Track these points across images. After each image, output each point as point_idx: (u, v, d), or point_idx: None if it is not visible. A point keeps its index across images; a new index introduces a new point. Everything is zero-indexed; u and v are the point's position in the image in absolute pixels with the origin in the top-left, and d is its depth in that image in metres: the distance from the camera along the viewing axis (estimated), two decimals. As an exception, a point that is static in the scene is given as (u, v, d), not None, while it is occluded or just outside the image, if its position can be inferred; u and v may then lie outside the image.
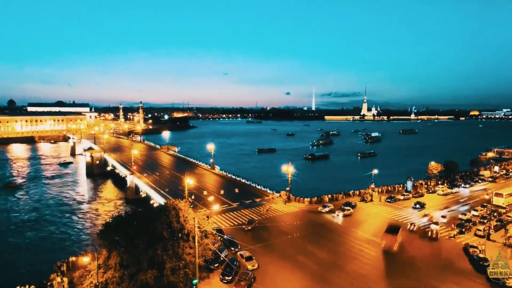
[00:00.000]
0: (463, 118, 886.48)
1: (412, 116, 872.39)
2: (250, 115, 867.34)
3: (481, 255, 46.69)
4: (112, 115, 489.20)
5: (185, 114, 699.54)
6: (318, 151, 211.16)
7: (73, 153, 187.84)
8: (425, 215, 65.55)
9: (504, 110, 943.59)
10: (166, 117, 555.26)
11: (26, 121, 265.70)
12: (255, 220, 60.12)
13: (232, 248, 49.01)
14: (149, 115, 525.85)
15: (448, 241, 53.90)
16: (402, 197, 78.02)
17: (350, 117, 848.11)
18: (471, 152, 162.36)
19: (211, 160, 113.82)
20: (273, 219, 62.98)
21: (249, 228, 56.94)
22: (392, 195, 78.62)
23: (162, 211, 42.95)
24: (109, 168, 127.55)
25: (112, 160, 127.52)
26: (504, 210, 69.04)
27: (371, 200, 76.18)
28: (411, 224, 59.17)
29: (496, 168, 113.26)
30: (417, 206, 71.11)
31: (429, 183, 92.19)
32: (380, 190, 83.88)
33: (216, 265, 43.20)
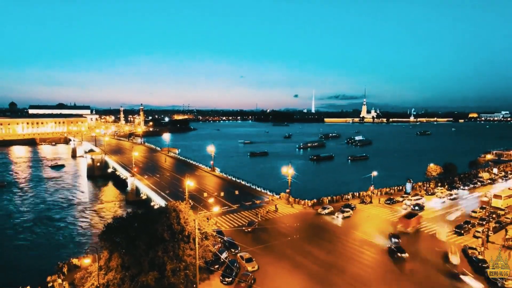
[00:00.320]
0: (462, 121, 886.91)
1: (412, 119, 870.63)
2: (250, 117, 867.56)
3: (480, 257, 46.98)
4: (113, 117, 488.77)
5: (186, 116, 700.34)
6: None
7: (74, 155, 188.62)
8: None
9: (503, 112, 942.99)
10: (166, 119, 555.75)
11: (27, 123, 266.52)
12: (255, 221, 60.47)
13: (232, 250, 49.31)
14: (150, 117, 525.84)
15: (447, 242, 54.05)
16: (401, 199, 78.33)
17: (349, 120, 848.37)
18: (470, 153, 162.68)
19: (211, 162, 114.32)
20: (273, 220, 63.30)
21: (249, 229, 57.30)
22: (391, 197, 79.07)
23: (162, 213, 43.08)
24: (110, 170, 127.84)
25: (113, 162, 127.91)
26: (503, 212, 69.31)
27: (371, 202, 76.53)
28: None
29: (495, 170, 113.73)
30: (416, 208, 71.44)
31: (428, 185, 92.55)
32: (379, 192, 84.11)
33: (216, 266, 43.51)
